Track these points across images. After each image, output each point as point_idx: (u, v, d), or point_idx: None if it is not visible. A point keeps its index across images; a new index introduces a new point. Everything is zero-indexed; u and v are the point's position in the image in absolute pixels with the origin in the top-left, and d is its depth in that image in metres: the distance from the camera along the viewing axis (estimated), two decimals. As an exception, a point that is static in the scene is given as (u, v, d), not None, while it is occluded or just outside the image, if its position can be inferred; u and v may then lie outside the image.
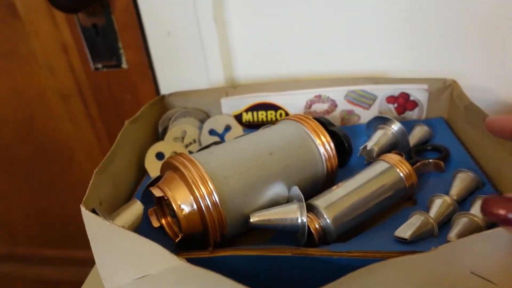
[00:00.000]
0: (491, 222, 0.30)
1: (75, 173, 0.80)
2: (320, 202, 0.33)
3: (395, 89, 0.47)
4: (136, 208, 0.33)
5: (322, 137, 0.38)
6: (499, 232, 0.23)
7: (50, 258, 0.94)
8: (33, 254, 0.95)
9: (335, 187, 0.35)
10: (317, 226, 0.32)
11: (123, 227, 0.28)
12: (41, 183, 0.84)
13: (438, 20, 0.49)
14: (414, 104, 0.48)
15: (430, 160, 0.39)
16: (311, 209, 0.33)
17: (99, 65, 0.65)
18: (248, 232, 0.36)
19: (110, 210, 0.35)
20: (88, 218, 0.28)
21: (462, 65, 0.50)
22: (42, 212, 0.88)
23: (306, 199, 0.33)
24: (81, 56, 0.64)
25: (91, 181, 0.31)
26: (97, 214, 0.28)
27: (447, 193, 0.35)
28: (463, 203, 0.35)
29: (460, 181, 0.35)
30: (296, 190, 0.34)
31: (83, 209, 0.28)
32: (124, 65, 0.64)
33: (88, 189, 0.30)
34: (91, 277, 0.35)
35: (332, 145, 0.38)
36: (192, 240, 0.33)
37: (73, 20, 0.61)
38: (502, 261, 0.26)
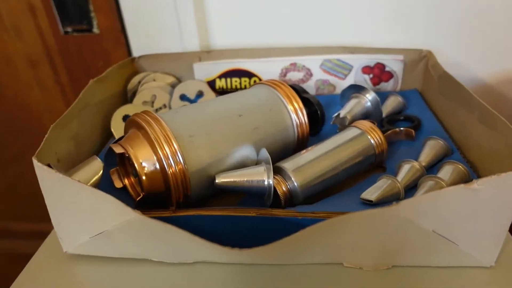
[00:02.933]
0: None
1: (45, 143, 0.78)
2: (288, 164, 0.33)
3: (371, 59, 0.46)
4: (95, 165, 0.31)
5: (295, 103, 0.37)
6: (461, 188, 0.23)
7: (22, 232, 0.91)
8: (4, 228, 0.93)
9: (304, 151, 0.35)
10: (284, 188, 0.32)
11: (79, 181, 0.26)
12: (10, 155, 0.80)
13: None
14: (389, 75, 0.47)
15: (402, 128, 0.38)
16: (278, 171, 0.33)
17: (69, 29, 0.62)
18: (214, 196, 0.35)
19: (70, 169, 0.33)
20: (42, 171, 0.27)
21: (438, 40, 0.50)
22: (12, 185, 0.85)
23: (274, 164, 0.32)
24: (49, 18, 0.61)
25: (46, 135, 0.29)
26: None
27: (416, 160, 0.35)
28: (431, 169, 0.35)
29: (430, 148, 0.35)
30: (264, 153, 0.33)
31: (35, 161, 0.26)
32: (96, 30, 0.61)
33: (42, 142, 0.28)
34: (48, 242, 0.33)
35: (304, 112, 0.37)
36: (155, 201, 0.32)
37: (41, -22, 0.58)
38: (463, 221, 0.25)
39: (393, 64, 0.46)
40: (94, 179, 0.32)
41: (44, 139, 0.29)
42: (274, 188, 0.31)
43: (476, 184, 0.23)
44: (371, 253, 0.28)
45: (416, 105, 0.44)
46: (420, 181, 0.31)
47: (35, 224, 0.90)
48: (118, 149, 0.30)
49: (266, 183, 0.31)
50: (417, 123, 0.41)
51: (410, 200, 0.23)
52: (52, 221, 0.30)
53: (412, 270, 0.28)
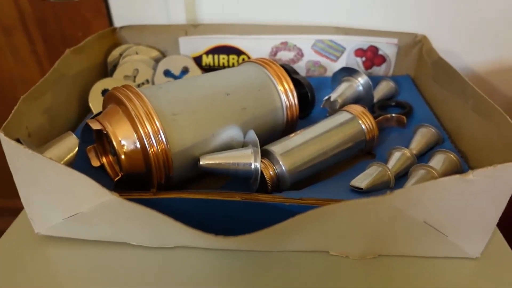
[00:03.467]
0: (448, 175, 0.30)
1: (19, 116, 0.74)
2: (277, 148, 0.31)
3: (365, 42, 0.45)
4: (69, 142, 0.29)
5: (285, 84, 0.36)
6: (456, 179, 0.22)
7: (-6, 208, 0.88)
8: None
9: (293, 134, 0.33)
10: (271, 172, 0.30)
11: (51, 159, 0.24)
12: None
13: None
14: (382, 59, 0.46)
15: (393, 115, 0.37)
16: (266, 155, 0.31)
17: (46, -6, 0.57)
18: (198, 178, 0.34)
19: (43, 145, 0.31)
20: (9, 146, 0.24)
21: (433, 26, 0.49)
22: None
23: (262, 146, 0.31)
24: (24, -19, 0.57)
25: (15, 107, 0.27)
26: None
27: (406, 147, 0.34)
28: (422, 157, 0.34)
29: (421, 136, 0.34)
30: (252, 135, 0.31)
31: (2, 135, 0.24)
32: (75, -4, 0.57)
33: (11, 115, 0.26)
34: (18, 221, 0.31)
35: (294, 93, 0.36)
36: (135, 182, 0.30)
37: None
38: (454, 212, 0.25)
39: (387, 47, 0.45)
40: (68, 156, 0.29)
41: (13, 111, 0.27)
42: (261, 172, 0.30)
43: (472, 175, 0.22)
44: (359, 242, 0.27)
45: (408, 91, 0.43)
46: (411, 169, 0.30)
47: (7, 200, 0.86)
48: (95, 125, 0.28)
49: (253, 166, 0.29)
50: (409, 109, 0.40)
51: (404, 189, 0.22)
52: (22, 200, 0.28)
53: (398, 259, 0.28)
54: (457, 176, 0.22)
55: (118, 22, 0.56)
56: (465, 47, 0.49)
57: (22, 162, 0.25)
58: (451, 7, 0.47)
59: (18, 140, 0.25)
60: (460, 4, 0.47)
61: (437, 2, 0.47)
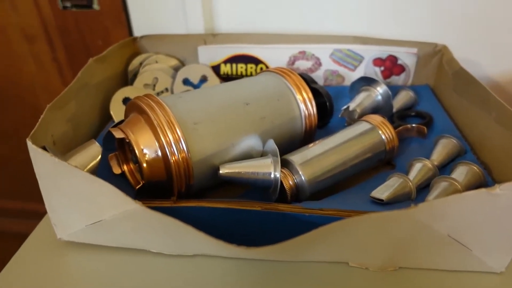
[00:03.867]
0: (471, 188, 0.29)
1: (39, 122, 0.75)
2: (296, 158, 0.31)
3: (383, 51, 0.45)
4: (93, 150, 0.29)
5: (304, 93, 0.36)
6: (482, 193, 0.22)
7: (11, 210, 0.90)
8: (-9, 205, 0.91)
9: (312, 144, 0.33)
10: (290, 182, 0.30)
11: (76, 167, 0.25)
12: (1, 131, 0.78)
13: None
14: (401, 68, 0.45)
15: (413, 125, 0.37)
16: (285, 164, 0.31)
17: (68, 4, 0.59)
18: (217, 187, 0.34)
19: (66, 152, 0.32)
20: (36, 154, 0.25)
21: (453, 35, 0.48)
22: (3, 163, 0.83)
23: (280, 156, 0.31)
24: (47, -9, 0.58)
25: (42, 115, 0.27)
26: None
27: (427, 158, 0.33)
28: (443, 169, 0.34)
29: (442, 147, 0.34)
30: (271, 144, 0.31)
31: (29, 143, 0.25)
32: (96, 6, 0.58)
33: (38, 123, 0.27)
34: (42, 225, 0.32)
35: (313, 102, 0.36)
36: (155, 190, 0.30)
37: None
38: (480, 226, 0.24)
39: (406, 57, 0.45)
40: (91, 164, 0.30)
41: (39, 119, 0.27)
42: (281, 182, 0.30)
43: (499, 189, 0.22)
44: (379, 254, 0.27)
45: (428, 101, 0.43)
46: (433, 181, 0.30)
47: (25, 203, 0.88)
48: (118, 134, 0.29)
49: (272, 176, 0.29)
50: (429, 120, 0.39)
51: (429, 203, 0.22)
52: (46, 206, 0.28)
53: (419, 272, 0.27)
54: (483, 190, 0.22)
55: (137, 31, 0.57)
56: (486, 57, 0.49)
57: (48, 169, 0.26)
58: (471, 16, 0.47)
59: (44, 148, 0.26)
60: (480, 13, 0.47)
61: (457, 11, 0.47)
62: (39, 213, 0.32)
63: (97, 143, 0.30)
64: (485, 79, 0.50)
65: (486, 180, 0.30)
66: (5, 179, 0.85)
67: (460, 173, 0.30)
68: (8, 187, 0.87)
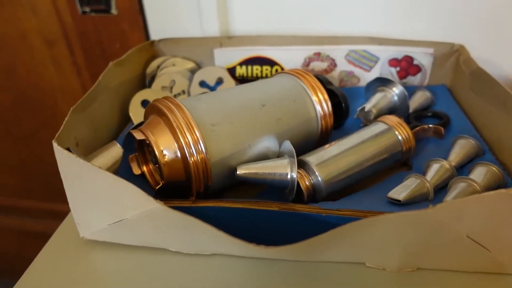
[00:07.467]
0: (490, 189, 0.29)
1: (59, 124, 0.76)
2: (312, 158, 0.31)
3: (399, 52, 0.44)
4: (114, 151, 0.30)
5: (320, 94, 0.36)
6: (503, 194, 0.22)
7: (31, 210, 0.92)
8: (13, 205, 0.93)
9: (328, 145, 0.33)
10: (307, 183, 0.30)
11: (100, 167, 0.25)
12: (22, 133, 0.80)
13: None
14: (417, 69, 0.45)
15: (430, 126, 0.37)
16: (302, 165, 0.31)
17: (87, 9, 0.60)
18: (234, 187, 0.35)
19: (87, 153, 0.33)
20: (61, 155, 0.26)
21: (470, 35, 0.48)
22: (23, 163, 0.85)
23: (297, 157, 0.31)
24: (67, -4, 0.60)
25: (66, 118, 0.28)
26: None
27: (445, 159, 0.33)
28: (461, 170, 0.33)
29: (460, 148, 0.34)
30: (287, 145, 0.32)
31: (55, 145, 0.25)
32: (114, 11, 0.59)
33: (62, 126, 0.28)
34: (65, 224, 0.33)
35: (329, 103, 0.36)
36: (174, 190, 0.31)
37: (59, -45, 0.56)
38: (499, 227, 0.24)
39: (422, 57, 0.44)
40: (112, 164, 0.31)
41: (64, 122, 0.28)
42: (297, 183, 0.30)
43: (519, 190, 0.22)
44: (397, 255, 0.27)
45: (445, 102, 0.43)
46: (451, 182, 0.30)
47: (45, 202, 0.90)
48: (138, 136, 0.30)
49: (289, 176, 0.30)
50: (446, 120, 0.39)
51: (447, 203, 0.22)
52: (70, 205, 0.29)
53: (437, 273, 0.27)
54: (503, 190, 0.22)
55: (154, 34, 0.58)
56: (504, 57, 0.48)
57: (72, 170, 0.26)
58: (488, 15, 0.46)
59: (68, 149, 0.27)
60: (497, 13, 0.46)
61: (474, 10, 0.46)
62: (61, 213, 0.33)
63: (118, 145, 0.31)
64: (503, 78, 0.50)
65: (505, 180, 0.30)
66: (24, 179, 0.88)
67: (479, 173, 0.30)
68: (25, 187, 0.89)
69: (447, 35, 0.47)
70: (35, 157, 0.83)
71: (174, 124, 0.29)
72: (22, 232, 0.96)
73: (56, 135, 0.26)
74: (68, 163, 0.26)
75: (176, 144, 0.29)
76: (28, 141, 0.81)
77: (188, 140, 0.29)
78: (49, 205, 0.89)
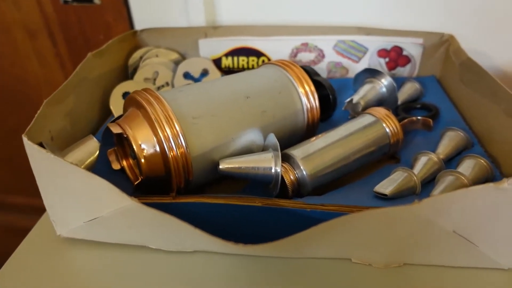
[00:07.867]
0: (478, 182, 0.28)
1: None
2: (298, 152, 0.30)
3: (388, 42, 0.44)
4: (91, 145, 0.29)
5: (306, 86, 0.35)
6: (490, 188, 0.21)
7: (18, 206, 0.91)
8: (0, 201, 0.92)
9: (314, 138, 0.33)
10: (291, 177, 0.30)
11: (72, 164, 0.24)
12: (8, 128, 0.79)
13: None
14: (407, 59, 0.44)
15: (419, 118, 0.36)
16: (287, 159, 0.30)
17: (69, -2, 0.58)
18: (217, 182, 0.34)
19: (64, 148, 0.31)
20: (32, 150, 0.25)
21: (460, 25, 0.47)
22: (10, 159, 0.83)
23: (282, 150, 0.30)
24: (48, -14, 0.58)
25: (39, 111, 0.27)
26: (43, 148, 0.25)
27: (433, 152, 0.32)
28: (449, 162, 0.33)
29: (449, 140, 0.33)
30: (272, 138, 0.31)
31: (25, 140, 0.24)
32: (97, 0, 0.58)
33: (34, 119, 0.26)
34: (42, 221, 0.32)
35: (316, 95, 0.35)
36: (155, 185, 0.30)
37: None
38: (486, 222, 0.24)
39: (412, 48, 0.43)
40: (89, 160, 0.30)
41: (36, 115, 0.27)
42: (282, 177, 0.29)
43: (507, 184, 0.21)
44: (383, 250, 0.26)
45: (434, 93, 0.42)
46: (439, 175, 0.29)
47: (32, 198, 0.89)
48: (116, 129, 0.28)
49: (273, 171, 0.29)
50: (435, 112, 0.38)
51: (433, 198, 0.21)
52: (45, 203, 0.28)
53: (424, 268, 0.27)
54: (491, 184, 0.21)
55: (138, 25, 0.56)
56: (494, 47, 0.47)
57: (45, 166, 0.25)
58: (479, 4, 0.45)
59: (41, 144, 0.25)
60: (488, 2, 0.45)
61: (464, 0, 0.45)
62: (44, 209, 0.32)
63: (94, 139, 0.30)
64: (493, 69, 0.49)
65: (494, 174, 0.30)
66: (11, 175, 0.86)
67: (467, 166, 0.29)
68: (13, 183, 0.87)
69: (437, 25, 0.46)
70: (21, 152, 0.81)
71: (153, 117, 0.28)
72: (8, 227, 0.95)
73: (27, 129, 0.25)
74: (40, 159, 0.25)
75: (155, 138, 0.28)
76: (13, 136, 0.79)
77: (167, 134, 0.28)
78: (35, 200, 0.87)
